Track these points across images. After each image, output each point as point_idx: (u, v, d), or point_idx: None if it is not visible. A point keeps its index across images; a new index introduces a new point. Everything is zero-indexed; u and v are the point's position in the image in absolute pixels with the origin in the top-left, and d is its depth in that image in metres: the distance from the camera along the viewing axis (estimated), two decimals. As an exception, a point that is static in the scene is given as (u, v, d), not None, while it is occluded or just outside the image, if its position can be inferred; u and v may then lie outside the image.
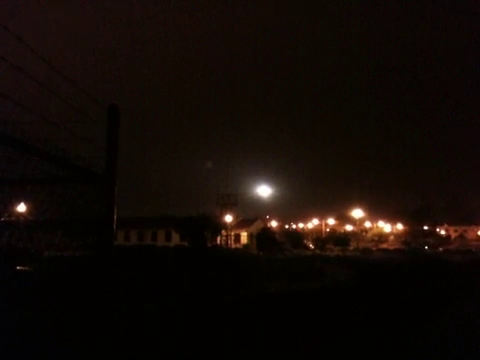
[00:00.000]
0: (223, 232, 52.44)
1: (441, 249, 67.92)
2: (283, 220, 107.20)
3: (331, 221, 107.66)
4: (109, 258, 3.26)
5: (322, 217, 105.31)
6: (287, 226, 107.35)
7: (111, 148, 3.30)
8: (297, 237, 67.31)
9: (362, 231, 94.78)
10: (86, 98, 3.10)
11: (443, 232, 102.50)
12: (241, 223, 73.56)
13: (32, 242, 2.84)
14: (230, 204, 58.52)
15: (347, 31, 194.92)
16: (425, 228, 79.48)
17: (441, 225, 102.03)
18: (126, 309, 9.41)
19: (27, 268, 2.98)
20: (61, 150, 2.77)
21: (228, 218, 57.14)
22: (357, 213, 79.65)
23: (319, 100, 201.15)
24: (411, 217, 75.27)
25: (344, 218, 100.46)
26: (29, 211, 2.88)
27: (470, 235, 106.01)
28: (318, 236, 79.84)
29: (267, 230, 54.29)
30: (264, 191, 60.71)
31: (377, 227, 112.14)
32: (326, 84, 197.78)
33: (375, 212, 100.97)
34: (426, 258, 37.65)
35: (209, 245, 41.55)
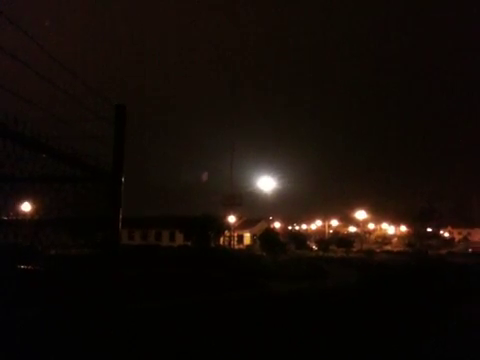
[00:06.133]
0: (226, 233, 52.42)
1: (444, 252, 67.48)
2: (286, 221, 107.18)
3: (334, 222, 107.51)
4: (115, 257, 3.26)
5: (325, 218, 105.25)
6: (290, 227, 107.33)
7: (118, 147, 3.31)
8: (300, 238, 67.20)
9: (366, 233, 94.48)
10: (94, 98, 3.11)
11: (447, 234, 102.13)
12: (244, 224, 73.36)
13: (38, 240, 2.84)
14: (234, 204, 58.34)
15: (357, 25, 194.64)
16: (429, 230, 79.23)
17: (445, 227, 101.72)
18: (131, 308, 9.41)
19: (33, 267, 2.97)
20: (69, 148, 2.78)
21: (231, 219, 57.06)
22: (361, 215, 79.39)
23: (323, 101, 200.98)
24: (415, 219, 75.02)
25: (347, 220, 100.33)
26: (36, 209, 2.88)
27: (474, 238, 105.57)
28: (321, 237, 79.77)
29: (270, 231, 54.15)
30: (266, 185, 59.83)
31: (381, 229, 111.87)
32: (330, 84, 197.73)
33: (379, 214, 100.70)
34: (430, 261, 37.40)
35: (212, 245, 41.59)
